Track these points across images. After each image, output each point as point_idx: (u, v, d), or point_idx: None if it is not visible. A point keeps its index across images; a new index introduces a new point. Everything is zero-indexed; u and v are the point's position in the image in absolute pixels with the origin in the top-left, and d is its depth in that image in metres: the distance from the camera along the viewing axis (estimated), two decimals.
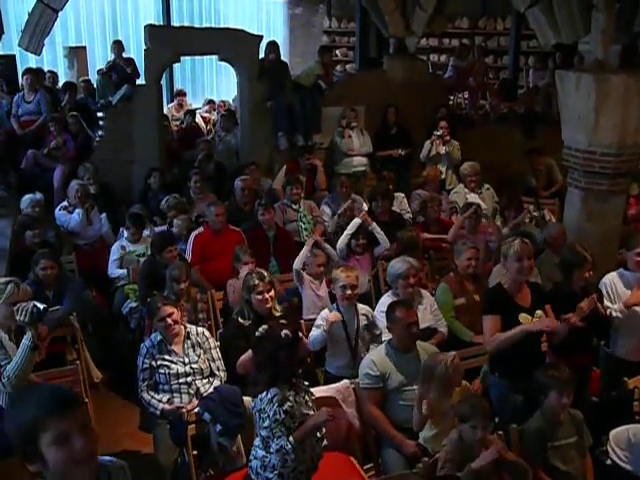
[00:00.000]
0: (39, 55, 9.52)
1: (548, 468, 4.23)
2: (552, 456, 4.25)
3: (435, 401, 4.37)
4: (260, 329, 5.02)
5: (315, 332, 5.39)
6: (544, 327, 4.72)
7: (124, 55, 11.98)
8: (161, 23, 13.53)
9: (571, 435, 4.32)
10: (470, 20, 14.99)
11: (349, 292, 5.46)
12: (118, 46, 11.94)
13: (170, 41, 9.24)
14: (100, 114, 10.42)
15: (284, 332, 4.23)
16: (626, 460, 4.29)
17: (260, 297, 5.32)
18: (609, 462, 4.39)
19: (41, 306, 4.21)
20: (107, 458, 2.57)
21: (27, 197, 7.63)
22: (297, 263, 6.30)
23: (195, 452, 4.66)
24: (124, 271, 7.09)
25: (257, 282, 5.33)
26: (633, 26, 7.54)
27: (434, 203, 7.88)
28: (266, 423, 3.98)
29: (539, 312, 4.80)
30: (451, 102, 12.33)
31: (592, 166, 6.74)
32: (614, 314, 5.36)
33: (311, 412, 4.09)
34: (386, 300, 5.56)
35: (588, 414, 4.54)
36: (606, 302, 5.41)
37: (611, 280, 5.49)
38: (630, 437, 4.34)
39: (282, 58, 10.44)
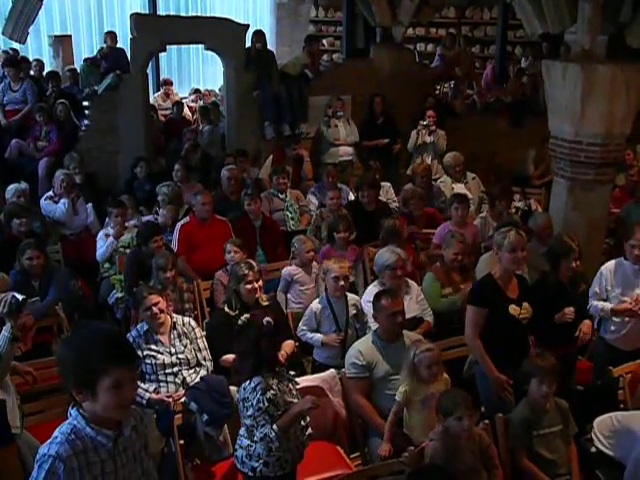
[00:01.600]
0: (23, 44, 9.46)
1: (533, 456, 4.26)
2: (537, 444, 4.27)
3: (409, 388, 4.40)
4: (242, 318, 5.03)
5: (313, 336, 5.44)
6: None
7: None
8: (147, 12, 13.43)
9: (556, 423, 4.34)
10: (457, 10, 14.97)
11: (342, 283, 5.46)
12: (112, 36, 11.84)
13: (156, 30, 9.19)
14: (86, 103, 10.35)
15: (266, 320, 4.23)
16: (610, 447, 4.32)
17: (250, 287, 5.32)
18: (594, 449, 4.42)
19: (20, 297, 4.16)
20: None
21: (12, 187, 7.58)
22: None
23: (181, 442, 4.65)
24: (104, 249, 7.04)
25: (247, 272, 5.32)
26: (619, 16, 7.52)
27: (414, 200, 7.80)
28: (250, 412, 3.97)
29: (526, 304, 4.83)
30: (437, 92, 12.33)
31: (578, 156, 6.75)
32: (601, 313, 5.40)
33: (295, 400, 4.09)
34: (372, 290, 5.55)
35: (573, 403, 4.57)
36: (596, 289, 5.45)
37: (608, 269, 5.47)
38: (614, 424, 4.37)
39: (269, 47, 10.40)
